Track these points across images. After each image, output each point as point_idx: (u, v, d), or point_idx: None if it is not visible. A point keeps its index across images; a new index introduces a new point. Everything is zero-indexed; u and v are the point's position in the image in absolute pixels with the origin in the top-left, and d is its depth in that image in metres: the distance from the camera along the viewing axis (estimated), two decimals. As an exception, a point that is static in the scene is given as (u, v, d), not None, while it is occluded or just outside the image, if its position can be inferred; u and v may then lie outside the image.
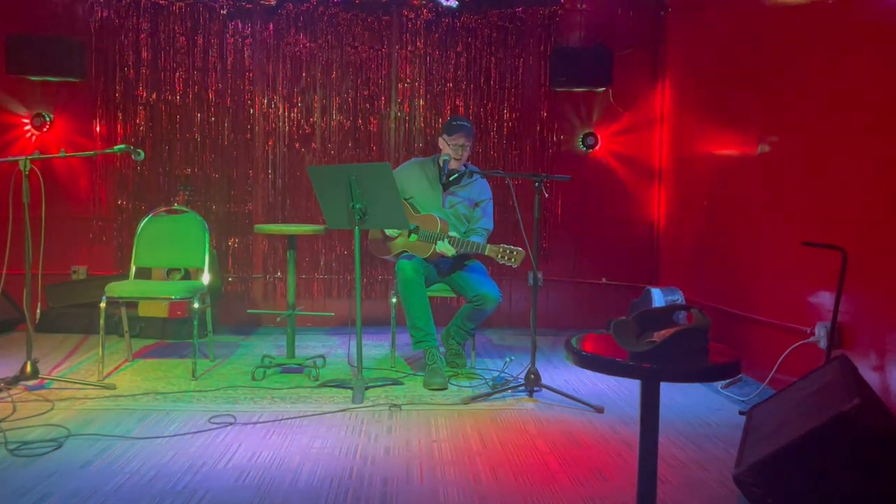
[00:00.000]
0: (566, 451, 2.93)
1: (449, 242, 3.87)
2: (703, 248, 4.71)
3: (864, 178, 3.07)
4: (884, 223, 2.93)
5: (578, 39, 5.45)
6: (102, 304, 3.85)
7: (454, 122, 4.09)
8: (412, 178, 4.19)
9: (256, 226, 4.26)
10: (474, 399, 3.59)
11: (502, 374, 4.00)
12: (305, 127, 5.39)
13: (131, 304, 4.54)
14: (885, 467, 2.11)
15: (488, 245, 3.83)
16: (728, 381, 3.83)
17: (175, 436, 3.01)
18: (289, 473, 2.65)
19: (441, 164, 4.10)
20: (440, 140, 4.14)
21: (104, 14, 5.24)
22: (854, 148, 3.14)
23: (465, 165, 4.13)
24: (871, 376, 2.88)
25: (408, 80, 5.40)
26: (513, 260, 3.73)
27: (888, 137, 2.91)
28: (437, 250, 3.90)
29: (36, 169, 3.61)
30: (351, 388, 3.63)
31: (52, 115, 5.26)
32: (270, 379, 3.93)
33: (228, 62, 5.32)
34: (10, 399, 3.40)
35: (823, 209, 3.37)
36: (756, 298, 3.97)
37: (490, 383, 3.87)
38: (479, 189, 4.21)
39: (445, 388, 3.77)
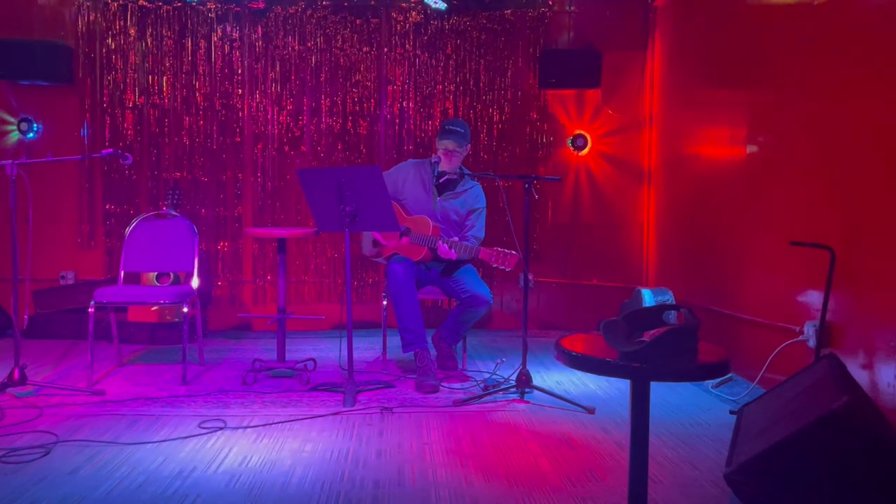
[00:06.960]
0: (558, 452, 2.93)
1: (448, 246, 3.85)
2: (692, 248, 4.73)
3: (852, 177, 3.08)
4: (871, 222, 2.95)
5: (568, 41, 5.46)
6: (91, 310, 3.83)
7: (445, 126, 4.06)
8: (407, 179, 4.17)
9: (246, 229, 4.24)
10: (466, 401, 3.58)
11: (493, 376, 4.00)
12: (295, 130, 5.37)
13: (120, 309, 4.51)
14: (874, 465, 2.12)
15: (482, 248, 3.82)
16: (718, 380, 3.85)
17: (165, 441, 2.99)
18: (280, 477, 2.64)
19: (432, 167, 4.10)
20: (436, 141, 4.14)
21: (91, 17, 5.21)
22: (842, 147, 3.16)
23: (459, 169, 4.11)
24: (859, 374, 2.90)
25: (397, 83, 5.40)
26: (506, 264, 3.72)
27: (877, 136, 2.93)
28: (441, 256, 3.88)
29: (23, 173, 3.58)
30: (342, 392, 3.62)
31: (39, 120, 5.23)
32: (261, 383, 3.91)
33: (217, 65, 5.30)
34: (-3, 406, 3.37)
35: (811, 209, 3.38)
36: (745, 298, 3.98)
37: (481, 385, 3.86)
38: (474, 197, 4.19)
39: (437, 391, 3.77)
